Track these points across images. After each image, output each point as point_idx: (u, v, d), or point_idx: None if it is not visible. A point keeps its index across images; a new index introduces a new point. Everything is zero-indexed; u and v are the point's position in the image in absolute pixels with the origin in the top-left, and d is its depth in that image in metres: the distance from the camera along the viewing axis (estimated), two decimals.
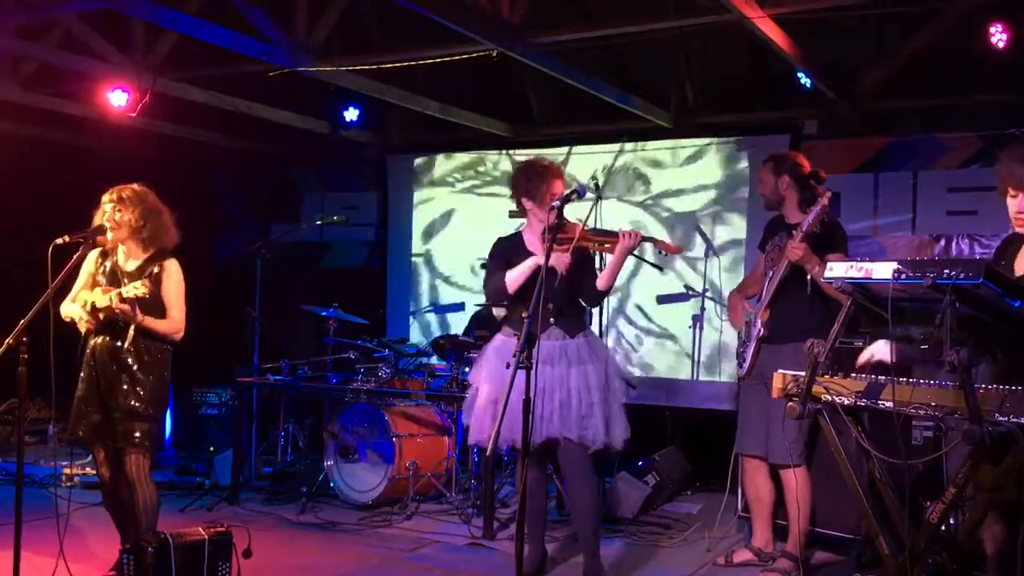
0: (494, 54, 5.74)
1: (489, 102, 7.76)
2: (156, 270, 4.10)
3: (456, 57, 5.93)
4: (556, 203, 3.90)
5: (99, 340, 4.09)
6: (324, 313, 6.62)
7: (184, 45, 6.18)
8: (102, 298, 3.99)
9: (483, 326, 6.87)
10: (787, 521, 4.68)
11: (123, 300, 3.88)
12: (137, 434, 4.01)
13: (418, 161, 8.53)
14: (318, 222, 7.16)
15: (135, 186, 4.18)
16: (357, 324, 6.87)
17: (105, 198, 4.15)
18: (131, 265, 4.17)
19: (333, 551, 5.00)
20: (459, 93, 7.50)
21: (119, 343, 4.03)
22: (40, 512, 4.54)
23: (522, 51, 5.74)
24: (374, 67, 6.41)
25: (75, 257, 4.01)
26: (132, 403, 4.02)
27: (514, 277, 4.32)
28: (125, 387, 4.03)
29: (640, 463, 6.12)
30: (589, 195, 4.11)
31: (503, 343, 4.42)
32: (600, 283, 4.37)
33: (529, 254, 4.37)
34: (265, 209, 9.08)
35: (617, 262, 4.28)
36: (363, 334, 6.91)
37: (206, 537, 3.80)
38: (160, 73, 6.41)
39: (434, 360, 6.67)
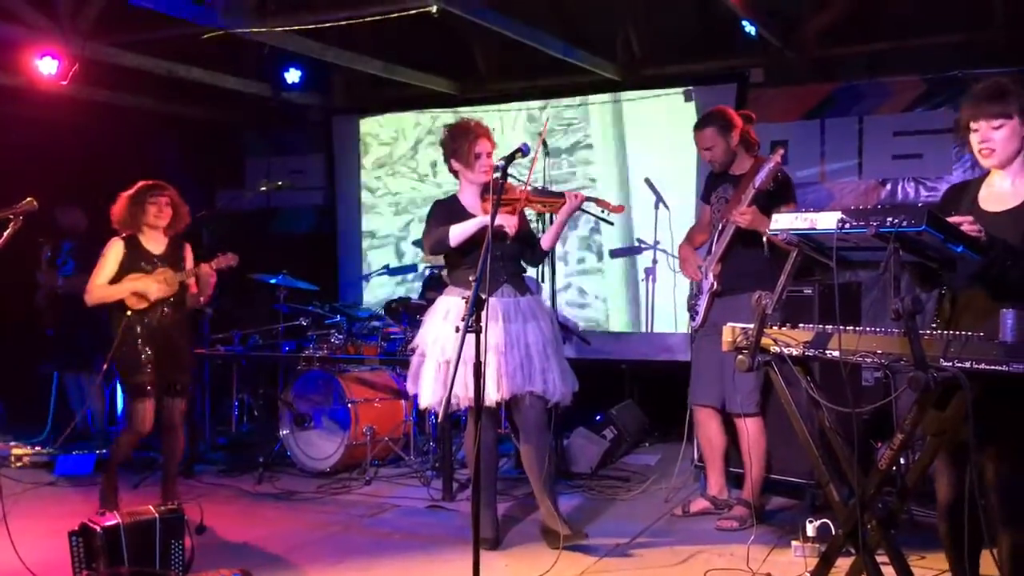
0: (434, 10, 5.60)
1: (434, 59, 7.62)
2: (182, 252, 4.89)
3: (396, 15, 5.79)
4: (500, 162, 3.83)
5: (163, 311, 4.76)
6: (273, 281, 6.49)
7: (113, 9, 5.96)
8: (187, 275, 4.78)
9: (435, 288, 6.82)
10: (743, 469, 4.74)
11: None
12: (186, 383, 4.90)
13: (364, 121, 8.38)
14: (262, 188, 6.99)
15: (162, 182, 4.80)
16: (308, 290, 6.76)
17: (162, 200, 4.73)
18: (158, 248, 4.82)
19: (293, 520, 4.96)
20: (403, 51, 7.35)
21: (179, 313, 4.83)
22: None
23: (462, 6, 5.62)
24: (312, 27, 6.24)
25: (6, 234, 3.87)
26: (190, 359, 4.98)
27: (459, 232, 4.27)
28: (185, 346, 4.92)
29: (597, 418, 6.15)
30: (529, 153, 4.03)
31: (451, 304, 4.34)
32: (544, 243, 4.49)
33: (468, 215, 4.34)
34: (209, 176, 8.84)
35: (561, 223, 4.41)
36: (314, 300, 6.81)
37: (156, 516, 3.71)
38: (90, 38, 6.18)
39: (387, 324, 6.60)
